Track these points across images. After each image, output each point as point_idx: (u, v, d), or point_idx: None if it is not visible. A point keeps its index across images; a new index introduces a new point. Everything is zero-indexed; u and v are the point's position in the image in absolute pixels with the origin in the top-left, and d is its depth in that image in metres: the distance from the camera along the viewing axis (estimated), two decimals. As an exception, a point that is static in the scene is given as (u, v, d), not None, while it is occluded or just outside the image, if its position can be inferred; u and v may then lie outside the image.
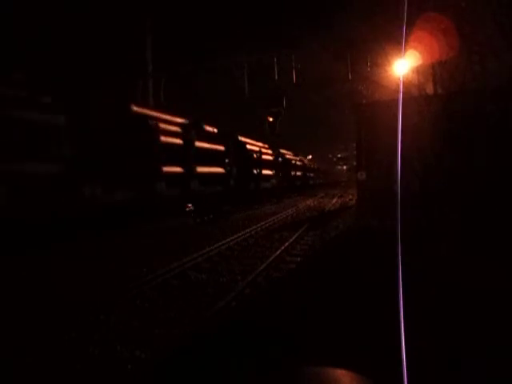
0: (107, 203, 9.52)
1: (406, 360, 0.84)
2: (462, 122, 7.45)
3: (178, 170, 13.94)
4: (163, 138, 12.92)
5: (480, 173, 7.12)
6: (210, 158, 16.74)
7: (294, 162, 34.66)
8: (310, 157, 52.28)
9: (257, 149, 23.47)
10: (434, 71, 9.04)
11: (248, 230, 10.79)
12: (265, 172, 24.44)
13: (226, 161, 18.62)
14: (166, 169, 12.95)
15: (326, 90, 25.84)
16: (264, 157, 24.82)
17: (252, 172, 21.91)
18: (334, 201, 23.43)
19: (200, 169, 15.62)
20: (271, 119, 26.94)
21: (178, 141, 14.08)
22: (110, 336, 4.00)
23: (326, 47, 17.92)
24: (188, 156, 14.83)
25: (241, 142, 21.07)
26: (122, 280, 5.91)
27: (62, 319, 4.31)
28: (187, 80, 20.94)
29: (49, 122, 8.42)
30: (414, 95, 8.74)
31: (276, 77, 20.18)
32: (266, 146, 26.87)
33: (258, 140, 24.83)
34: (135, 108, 11.98)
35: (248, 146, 21.94)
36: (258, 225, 12.01)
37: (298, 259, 7.55)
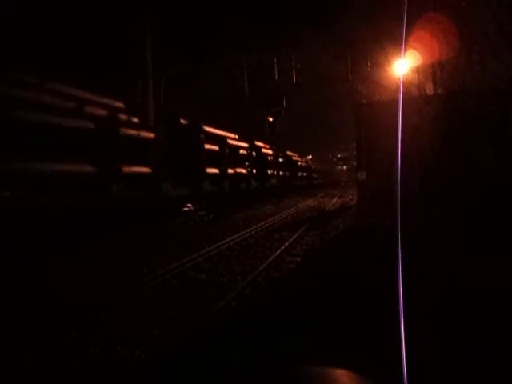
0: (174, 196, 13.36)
1: (406, 360, 0.84)
2: (462, 121, 7.45)
3: (216, 171, 17.69)
4: (206, 146, 16.58)
5: (480, 173, 7.12)
6: (237, 161, 20.44)
7: (293, 161, 34.71)
8: (310, 157, 52.31)
9: (265, 150, 24.74)
10: (434, 71, 9.05)
11: (248, 230, 10.79)
12: (270, 172, 25.58)
13: (247, 163, 22.40)
14: (209, 170, 16.64)
15: (325, 90, 25.84)
16: (268, 158, 25.45)
17: (267, 172, 25.64)
18: (334, 201, 23.43)
19: (230, 170, 19.38)
20: (271, 119, 26.97)
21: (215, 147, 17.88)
22: (110, 336, 4.00)
23: (326, 47, 17.92)
24: (223, 159, 18.57)
25: (257, 146, 24.21)
26: (121, 280, 5.91)
27: (62, 319, 4.31)
28: (187, 80, 20.94)
29: (146, 137, 12.42)
30: (414, 95, 8.74)
31: (276, 77, 20.19)
32: (267, 146, 27.01)
33: (258, 140, 24.97)
34: (182, 121, 15.01)
35: (263, 150, 25.35)
36: (258, 225, 12.01)
37: (298, 259, 7.55)
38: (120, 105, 12.63)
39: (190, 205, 15.19)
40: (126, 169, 11.05)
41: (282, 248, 8.22)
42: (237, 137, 21.42)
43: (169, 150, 13.51)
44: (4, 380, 3.25)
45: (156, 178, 12.68)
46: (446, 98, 8.14)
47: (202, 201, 15.64)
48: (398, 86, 9.46)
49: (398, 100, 1.41)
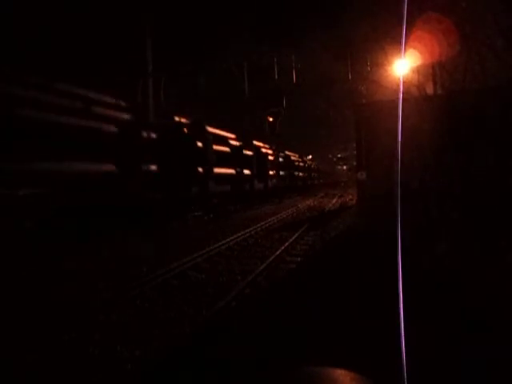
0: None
1: (405, 360, 0.84)
2: (462, 121, 7.45)
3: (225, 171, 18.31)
4: (220, 148, 17.68)
5: (480, 172, 7.12)
6: (246, 162, 21.18)
7: (293, 161, 34.71)
8: (310, 157, 52.28)
9: (265, 150, 24.85)
10: (434, 71, 9.05)
11: (248, 230, 10.79)
12: (270, 172, 25.65)
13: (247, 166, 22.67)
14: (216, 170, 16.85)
15: (325, 90, 25.85)
16: (268, 157, 25.44)
17: (268, 173, 25.68)
18: (334, 201, 23.43)
19: (231, 170, 19.66)
20: (271, 119, 26.99)
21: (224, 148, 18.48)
22: (110, 336, 4.00)
23: (326, 47, 17.92)
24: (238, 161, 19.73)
25: (257, 146, 24.12)
26: (122, 280, 5.91)
27: (62, 319, 4.31)
28: (187, 80, 20.94)
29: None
30: (414, 95, 8.73)
31: (276, 77, 20.19)
32: (267, 146, 27.03)
33: (258, 140, 24.97)
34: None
35: (263, 150, 25.23)
36: (258, 225, 12.01)
37: (298, 259, 7.55)
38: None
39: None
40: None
41: (282, 248, 8.22)
42: (235, 137, 21.56)
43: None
44: (4, 379, 3.25)
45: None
46: (446, 98, 8.14)
47: (210, 201, 16.15)
48: (398, 86, 9.45)
49: (398, 100, 1.40)
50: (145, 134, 12.12)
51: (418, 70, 9.50)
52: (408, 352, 0.82)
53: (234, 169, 19.52)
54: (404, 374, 0.81)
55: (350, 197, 24.33)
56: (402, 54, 6.83)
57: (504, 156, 7.11)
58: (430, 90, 9.36)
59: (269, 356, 3.27)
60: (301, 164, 38.53)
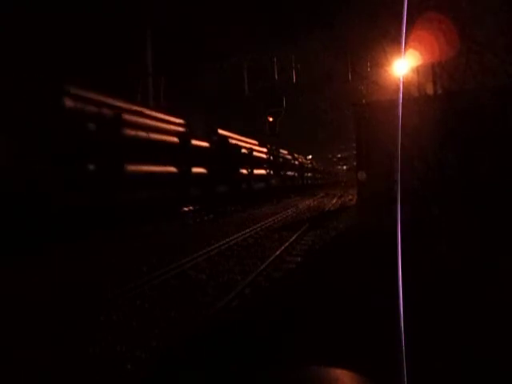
0: (218, 193, 16.73)
1: (405, 360, 0.84)
2: (462, 121, 7.45)
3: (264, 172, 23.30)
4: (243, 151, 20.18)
5: (480, 172, 7.12)
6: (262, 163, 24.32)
7: (292, 162, 34.73)
8: (310, 157, 52.34)
9: (265, 150, 25.51)
10: (434, 71, 9.05)
11: (248, 230, 10.79)
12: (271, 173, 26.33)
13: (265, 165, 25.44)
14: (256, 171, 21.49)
15: (326, 90, 25.85)
16: (262, 155, 25.41)
17: (286, 173, 29.02)
18: (334, 201, 23.43)
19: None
20: (271, 119, 27.00)
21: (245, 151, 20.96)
22: (110, 336, 4.00)
23: (326, 47, 17.93)
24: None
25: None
26: (122, 279, 5.91)
27: (61, 319, 4.31)
28: (187, 80, 20.95)
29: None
30: (414, 95, 8.74)
31: (276, 76, 20.20)
32: (268, 146, 27.05)
33: (258, 140, 24.99)
34: (220, 131, 18.11)
35: (264, 150, 26.56)
36: (258, 225, 12.01)
37: (299, 259, 7.55)
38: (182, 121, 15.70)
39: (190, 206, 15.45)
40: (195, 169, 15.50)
41: (282, 248, 8.22)
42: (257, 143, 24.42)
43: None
44: (4, 379, 3.25)
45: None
46: (445, 98, 8.14)
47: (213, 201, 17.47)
48: (398, 86, 9.46)
49: (397, 100, 1.40)
50: (195, 143, 15.30)
51: (417, 70, 9.50)
52: (408, 353, 0.83)
53: (265, 170, 24.11)
54: (404, 374, 0.81)
55: (350, 197, 24.32)
56: (402, 54, 6.83)
57: (504, 156, 7.11)
58: (429, 90, 9.36)
59: (268, 356, 3.27)
60: (300, 164, 38.53)
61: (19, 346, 3.70)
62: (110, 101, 10.81)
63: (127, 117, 10.98)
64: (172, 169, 13.41)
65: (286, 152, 32.83)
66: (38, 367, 3.33)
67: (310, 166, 45.66)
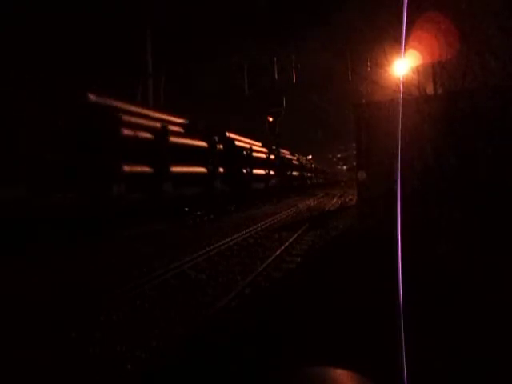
0: (223, 191, 17.31)
1: (405, 360, 0.84)
2: (462, 121, 7.44)
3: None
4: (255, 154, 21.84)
5: (480, 172, 7.11)
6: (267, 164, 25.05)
7: (293, 162, 34.73)
8: (310, 157, 52.33)
9: (265, 150, 25.54)
10: (434, 71, 9.04)
11: (248, 230, 10.79)
12: (272, 172, 26.22)
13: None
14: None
15: (326, 90, 25.86)
16: (263, 156, 25.40)
17: (286, 173, 29.50)
18: (334, 201, 23.42)
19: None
20: (271, 119, 26.99)
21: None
22: (110, 336, 4.00)
23: (325, 47, 17.94)
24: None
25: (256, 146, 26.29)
26: (122, 280, 5.91)
27: (61, 319, 4.31)
28: (187, 80, 20.96)
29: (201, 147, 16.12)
30: (414, 95, 8.73)
31: (276, 76, 20.20)
32: (269, 146, 27.07)
33: (258, 141, 25.00)
34: (228, 134, 18.93)
35: (263, 150, 27.04)
36: (258, 225, 12.01)
37: (298, 259, 7.55)
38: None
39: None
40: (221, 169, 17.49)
41: (282, 248, 8.22)
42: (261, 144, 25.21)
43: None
44: (4, 379, 3.25)
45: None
46: (446, 98, 8.14)
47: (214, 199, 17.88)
48: (398, 86, 9.46)
49: (398, 100, 1.41)
50: (218, 147, 17.16)
51: (417, 70, 9.49)
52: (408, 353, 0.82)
53: (265, 170, 24.49)
54: (404, 374, 0.81)
55: (350, 197, 24.31)
56: (402, 54, 6.83)
57: (504, 155, 7.11)
58: (429, 90, 9.35)
59: (268, 356, 3.27)
60: (300, 164, 38.53)
61: (19, 346, 3.70)
62: (158, 115, 13.42)
63: (171, 127, 13.44)
64: (203, 169, 15.77)
65: (286, 152, 32.82)
66: (38, 367, 3.33)
67: (310, 165, 45.67)
